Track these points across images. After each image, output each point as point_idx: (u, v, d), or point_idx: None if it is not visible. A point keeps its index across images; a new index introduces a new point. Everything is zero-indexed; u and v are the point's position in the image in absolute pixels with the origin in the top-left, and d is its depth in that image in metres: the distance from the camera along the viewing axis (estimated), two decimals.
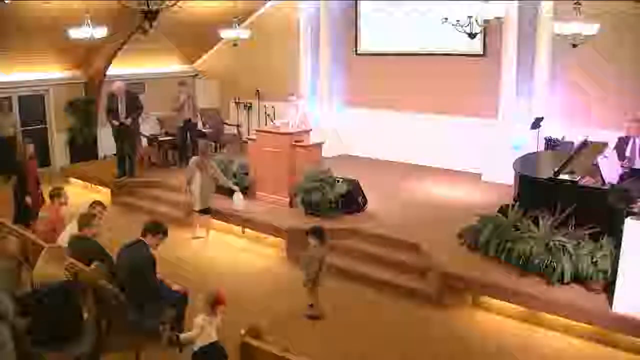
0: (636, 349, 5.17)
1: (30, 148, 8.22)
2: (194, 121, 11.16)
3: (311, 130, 9.08)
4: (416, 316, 6.02)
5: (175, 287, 5.37)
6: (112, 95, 10.11)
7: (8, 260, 5.05)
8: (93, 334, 4.48)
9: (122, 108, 9.93)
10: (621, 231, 5.17)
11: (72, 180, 11.10)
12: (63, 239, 5.72)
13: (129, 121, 9.97)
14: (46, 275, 4.47)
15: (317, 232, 5.98)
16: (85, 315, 4.69)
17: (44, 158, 11.83)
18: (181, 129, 11.03)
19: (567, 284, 5.71)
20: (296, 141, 8.54)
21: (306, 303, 6.08)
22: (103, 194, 10.16)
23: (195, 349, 4.30)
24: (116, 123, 9.96)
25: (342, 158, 11.19)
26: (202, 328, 4.24)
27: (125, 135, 10.08)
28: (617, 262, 5.25)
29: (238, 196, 8.20)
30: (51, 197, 6.60)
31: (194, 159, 8.22)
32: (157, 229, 5.19)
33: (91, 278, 4.88)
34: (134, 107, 10.09)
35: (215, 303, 4.26)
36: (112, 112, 10.01)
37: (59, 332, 4.32)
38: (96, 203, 6.30)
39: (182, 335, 4.46)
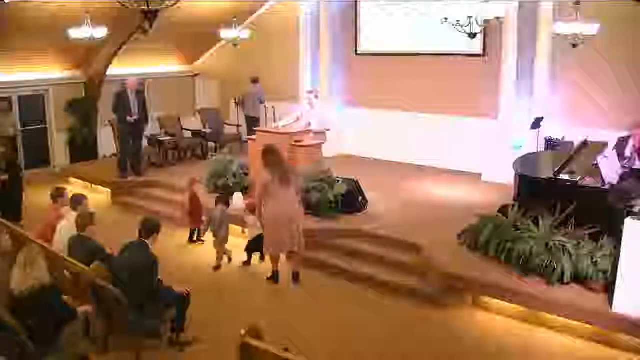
0: (636, 349, 5.17)
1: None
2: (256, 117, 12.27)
3: (328, 130, 9.23)
4: (416, 316, 6.01)
5: (176, 287, 5.37)
6: (122, 92, 9.89)
7: (2, 258, 5.02)
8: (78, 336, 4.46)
9: (133, 105, 9.82)
10: (621, 231, 5.17)
11: (72, 180, 11.08)
12: (58, 238, 5.69)
13: (146, 127, 10.28)
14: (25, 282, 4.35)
15: (224, 199, 7.46)
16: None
17: (43, 158, 11.87)
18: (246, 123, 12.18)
19: (567, 284, 5.70)
20: (296, 141, 8.53)
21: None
22: (103, 194, 10.17)
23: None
24: (131, 120, 9.75)
25: (342, 158, 11.19)
26: None
27: (136, 134, 10.02)
28: (617, 262, 5.25)
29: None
30: (52, 197, 6.58)
31: None
32: (152, 228, 5.18)
33: (91, 278, 4.88)
34: (142, 104, 10.03)
35: None
36: (122, 109, 9.77)
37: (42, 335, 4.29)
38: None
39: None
